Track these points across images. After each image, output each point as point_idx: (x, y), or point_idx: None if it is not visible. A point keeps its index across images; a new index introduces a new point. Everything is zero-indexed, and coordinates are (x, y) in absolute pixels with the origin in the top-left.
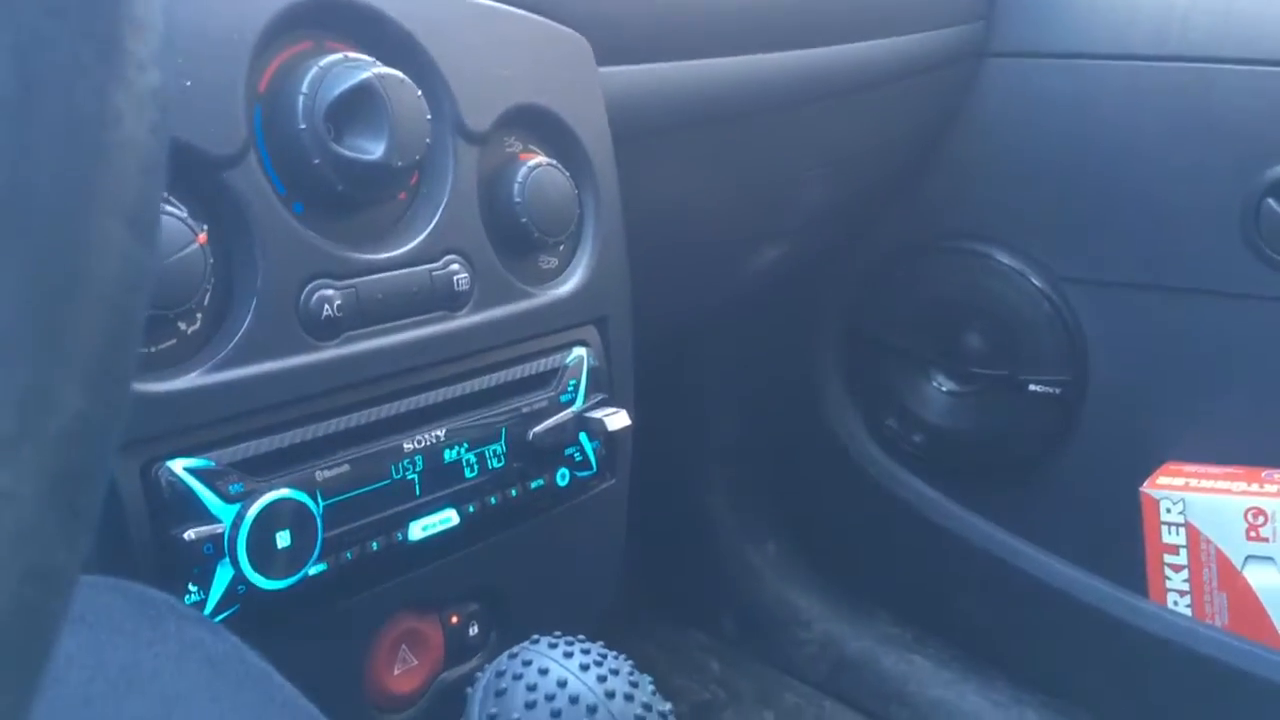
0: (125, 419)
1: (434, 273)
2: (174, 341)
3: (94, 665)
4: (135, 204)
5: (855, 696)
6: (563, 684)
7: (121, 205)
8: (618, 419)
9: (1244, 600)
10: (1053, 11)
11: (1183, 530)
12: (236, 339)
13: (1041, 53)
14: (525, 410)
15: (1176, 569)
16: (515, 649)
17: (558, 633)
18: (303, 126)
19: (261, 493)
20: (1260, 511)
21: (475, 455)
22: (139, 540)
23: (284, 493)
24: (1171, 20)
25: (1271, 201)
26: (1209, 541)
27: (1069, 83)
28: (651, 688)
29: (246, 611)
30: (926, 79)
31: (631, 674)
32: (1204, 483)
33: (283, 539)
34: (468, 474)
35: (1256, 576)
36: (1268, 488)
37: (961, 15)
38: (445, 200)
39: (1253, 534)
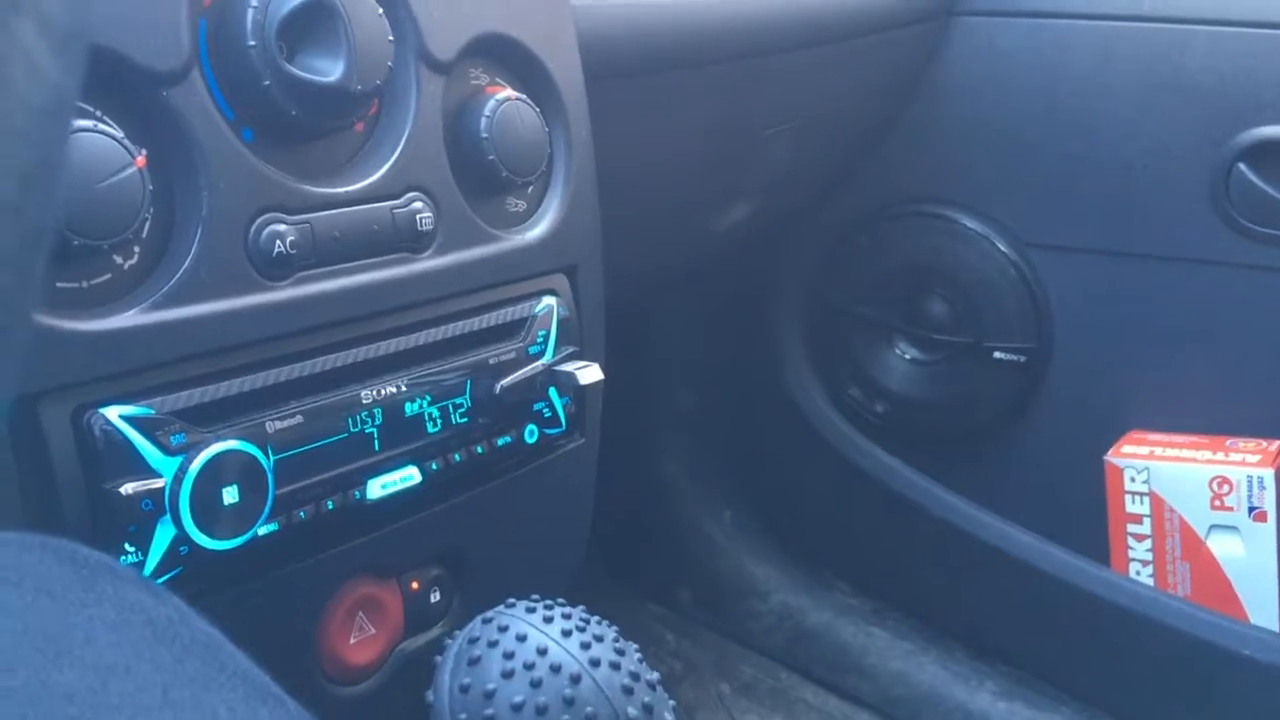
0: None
1: (395, 210)
2: (109, 276)
3: (18, 630)
4: None
5: (813, 668)
6: (543, 651)
7: None
8: (590, 373)
9: (1207, 570)
10: None
11: (1146, 499)
12: (179, 275)
13: (1010, 11)
14: (492, 362)
15: (1140, 538)
16: (489, 613)
17: (535, 596)
18: (252, 44)
19: (206, 444)
20: (1225, 481)
21: (438, 409)
22: (69, 495)
23: (232, 445)
24: None
25: (1243, 166)
26: (1173, 511)
27: (1038, 43)
28: (638, 655)
29: (189, 575)
30: (895, 36)
31: (617, 641)
32: (1169, 451)
33: (230, 495)
34: (430, 429)
35: (1220, 546)
36: (1233, 457)
37: None
38: (407, 132)
39: (1217, 503)
